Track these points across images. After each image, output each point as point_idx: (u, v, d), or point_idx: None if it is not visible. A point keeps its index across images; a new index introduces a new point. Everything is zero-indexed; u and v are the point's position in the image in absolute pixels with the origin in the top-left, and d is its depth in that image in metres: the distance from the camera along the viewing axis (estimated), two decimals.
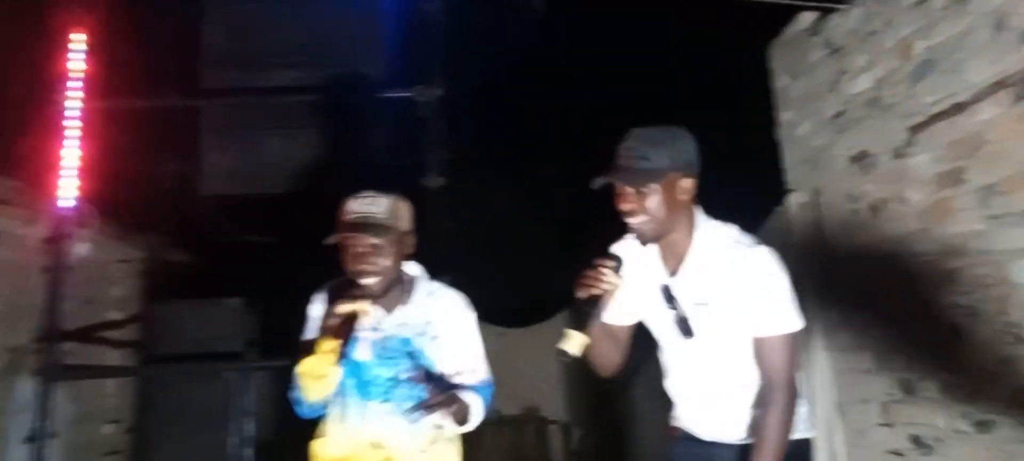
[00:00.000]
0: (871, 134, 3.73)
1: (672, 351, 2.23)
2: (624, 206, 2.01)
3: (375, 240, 2.24)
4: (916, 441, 3.59)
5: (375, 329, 2.31)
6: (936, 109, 3.26)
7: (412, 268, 2.44)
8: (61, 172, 3.87)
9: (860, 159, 3.84)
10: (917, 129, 3.39)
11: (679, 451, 2.31)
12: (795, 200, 4.32)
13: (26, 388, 4.52)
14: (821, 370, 4.17)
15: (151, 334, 4.48)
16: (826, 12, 4.05)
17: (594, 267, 1.96)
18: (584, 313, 1.88)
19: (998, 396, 3.12)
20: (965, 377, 3.30)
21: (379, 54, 4.06)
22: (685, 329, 2.09)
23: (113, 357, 5.66)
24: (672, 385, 2.30)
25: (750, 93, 4.80)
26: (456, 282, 4.25)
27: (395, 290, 2.35)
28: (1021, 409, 3.01)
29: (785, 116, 4.52)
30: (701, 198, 2.16)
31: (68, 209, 3.98)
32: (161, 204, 4.77)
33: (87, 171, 3.96)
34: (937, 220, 3.36)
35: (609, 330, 2.20)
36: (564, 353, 1.83)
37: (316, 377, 2.22)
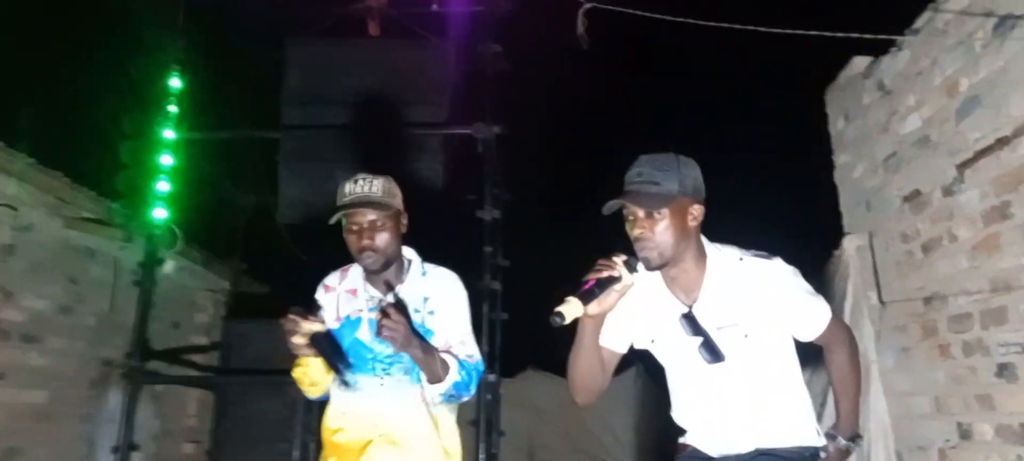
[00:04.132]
0: (921, 173, 3.72)
1: (693, 379, 2.16)
2: (635, 231, 1.94)
3: (373, 216, 2.30)
4: None
5: (372, 309, 2.35)
6: (981, 145, 3.26)
7: (408, 251, 2.47)
8: (154, 198, 4.26)
9: (912, 199, 3.82)
10: (964, 166, 3.38)
11: None
12: (851, 243, 4.30)
13: (115, 400, 4.91)
14: (878, 416, 4.08)
15: (227, 350, 4.82)
16: (878, 55, 4.09)
17: (608, 257, 1.91)
18: (589, 294, 1.84)
19: None
20: (1018, 418, 3.20)
21: (441, 93, 4.34)
22: (714, 354, 2.05)
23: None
24: (690, 412, 2.23)
25: (809, 138, 4.83)
26: (510, 324, 4.42)
27: (393, 268, 2.40)
28: None
29: (841, 159, 4.54)
30: (764, 243, 2.13)
31: (159, 232, 4.37)
32: (241, 233, 5.16)
33: (177, 198, 4.36)
34: (986, 256, 3.32)
35: (601, 353, 2.09)
36: (561, 315, 1.79)
37: (309, 384, 2.34)
